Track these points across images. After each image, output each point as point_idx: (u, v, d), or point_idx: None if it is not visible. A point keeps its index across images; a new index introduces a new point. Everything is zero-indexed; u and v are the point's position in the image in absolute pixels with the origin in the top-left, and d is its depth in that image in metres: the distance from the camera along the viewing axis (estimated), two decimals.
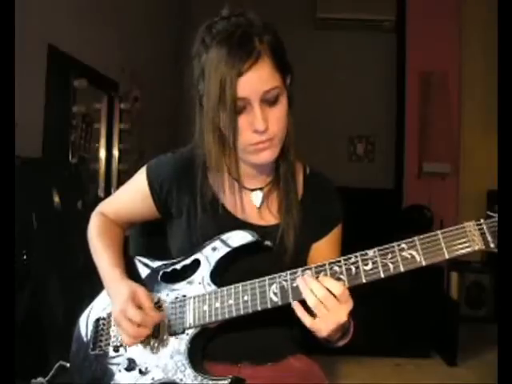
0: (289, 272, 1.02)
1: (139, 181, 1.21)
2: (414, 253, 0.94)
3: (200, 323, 1.07)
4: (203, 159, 1.14)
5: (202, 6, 4.14)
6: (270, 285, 1.02)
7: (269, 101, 1.02)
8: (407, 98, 4.83)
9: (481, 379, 2.92)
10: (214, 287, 1.09)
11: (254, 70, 0.99)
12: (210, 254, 1.11)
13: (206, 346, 1.13)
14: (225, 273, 1.11)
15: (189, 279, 1.12)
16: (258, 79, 1.00)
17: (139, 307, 1.05)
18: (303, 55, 4.09)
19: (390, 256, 0.96)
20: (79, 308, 1.25)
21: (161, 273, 1.17)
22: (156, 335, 1.09)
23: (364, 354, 3.16)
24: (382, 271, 0.95)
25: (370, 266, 0.96)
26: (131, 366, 1.10)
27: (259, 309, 1.02)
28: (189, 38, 1.09)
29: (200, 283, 1.10)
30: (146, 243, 1.37)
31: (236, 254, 1.10)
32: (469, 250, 0.93)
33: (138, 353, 1.11)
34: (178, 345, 1.08)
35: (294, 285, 1.00)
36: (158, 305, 1.11)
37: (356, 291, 0.98)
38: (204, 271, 1.11)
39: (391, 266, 0.95)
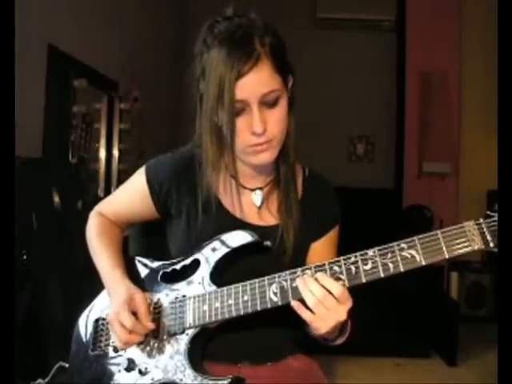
0: (288, 272, 1.01)
1: (138, 181, 1.20)
2: (414, 252, 0.94)
3: (200, 323, 1.07)
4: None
5: (200, 6, 4.14)
6: (270, 285, 1.02)
7: (268, 103, 1.02)
8: (407, 98, 4.83)
9: (481, 379, 2.92)
10: (213, 287, 1.08)
11: (254, 72, 0.99)
12: (210, 255, 1.11)
13: (206, 346, 1.12)
14: (224, 273, 1.11)
15: (188, 279, 1.12)
16: (257, 81, 0.99)
17: (134, 313, 1.05)
18: (303, 55, 4.06)
19: (389, 256, 0.96)
20: (79, 308, 1.25)
21: (160, 273, 1.16)
22: (156, 335, 1.09)
23: (364, 353, 3.16)
24: (381, 271, 0.95)
25: (369, 266, 0.96)
26: (131, 366, 1.10)
27: (259, 309, 1.02)
28: (188, 37, 1.08)
29: (200, 283, 1.10)
30: (145, 243, 1.37)
31: (235, 254, 1.10)
32: (469, 249, 0.93)
33: (138, 353, 1.11)
34: (177, 345, 1.08)
35: (294, 285, 1.00)
36: (158, 305, 1.11)
37: (355, 291, 0.98)
38: (204, 271, 1.10)
39: (391, 265, 0.95)
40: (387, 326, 3.34)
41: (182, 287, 1.12)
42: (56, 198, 2.15)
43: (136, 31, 3.77)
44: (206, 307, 1.07)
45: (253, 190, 1.17)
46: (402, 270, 0.95)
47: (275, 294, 1.01)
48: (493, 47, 1.83)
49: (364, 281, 0.96)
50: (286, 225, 1.13)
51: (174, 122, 4.52)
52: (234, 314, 1.04)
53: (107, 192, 3.24)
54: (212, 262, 1.10)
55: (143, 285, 1.15)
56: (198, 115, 1.10)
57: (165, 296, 1.13)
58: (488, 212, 0.93)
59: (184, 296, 1.10)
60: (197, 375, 1.05)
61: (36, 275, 1.97)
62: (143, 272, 1.20)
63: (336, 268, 0.98)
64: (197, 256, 1.12)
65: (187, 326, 1.08)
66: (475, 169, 4.50)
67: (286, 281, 1.01)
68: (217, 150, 1.08)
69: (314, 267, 1.00)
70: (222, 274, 1.11)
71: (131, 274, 1.17)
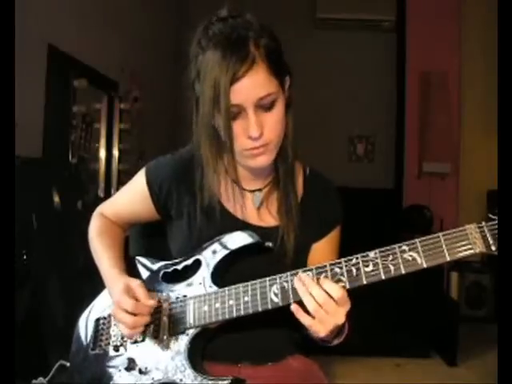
0: (289, 273, 1.01)
1: (138, 182, 1.21)
2: (415, 255, 0.94)
3: (200, 323, 1.07)
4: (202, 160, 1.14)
5: (200, 6, 4.13)
6: (271, 285, 1.02)
7: (264, 106, 1.01)
8: (407, 98, 4.83)
9: (481, 379, 2.92)
10: (214, 288, 1.08)
11: (249, 76, 0.97)
12: (210, 257, 1.11)
13: (206, 347, 1.13)
14: (225, 274, 1.11)
15: (189, 280, 1.12)
16: (252, 85, 0.98)
17: (135, 298, 1.04)
18: (303, 55, 4.09)
19: (391, 258, 0.95)
20: (79, 308, 1.25)
21: (161, 273, 1.17)
22: (156, 335, 1.09)
23: (364, 354, 3.16)
24: (382, 273, 0.95)
25: (370, 268, 0.96)
26: (131, 365, 1.10)
27: (260, 309, 1.02)
28: (187, 38, 1.07)
29: (201, 284, 1.10)
30: (146, 244, 1.37)
31: (236, 255, 1.10)
32: (470, 252, 0.92)
33: (138, 353, 1.11)
34: (178, 345, 1.08)
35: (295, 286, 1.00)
36: (159, 305, 1.11)
37: (355, 291, 0.98)
38: (204, 272, 1.11)
39: (392, 267, 0.95)
40: (387, 326, 3.34)
41: (183, 287, 1.12)
42: (56, 198, 2.15)
43: (136, 31, 3.77)
44: (206, 307, 1.07)
45: (252, 191, 1.17)
46: (403, 272, 0.95)
47: (276, 294, 1.01)
48: (493, 47, 1.83)
49: (365, 282, 0.96)
50: (286, 226, 1.13)
51: (174, 121, 4.51)
52: (234, 314, 1.04)
53: (107, 192, 3.23)
54: (212, 264, 1.10)
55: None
56: (194, 119, 1.09)
57: (166, 296, 1.13)
58: (490, 215, 0.93)
59: (185, 296, 1.11)
60: (197, 375, 1.05)
61: (36, 275, 1.97)
62: (144, 272, 1.20)
63: (337, 269, 0.98)
64: (198, 257, 1.12)
65: (188, 326, 1.08)
66: (475, 169, 4.50)
67: (287, 282, 1.01)
68: (216, 154, 1.08)
69: (315, 268, 1.00)
70: (223, 275, 1.11)
71: (132, 274, 1.17)
